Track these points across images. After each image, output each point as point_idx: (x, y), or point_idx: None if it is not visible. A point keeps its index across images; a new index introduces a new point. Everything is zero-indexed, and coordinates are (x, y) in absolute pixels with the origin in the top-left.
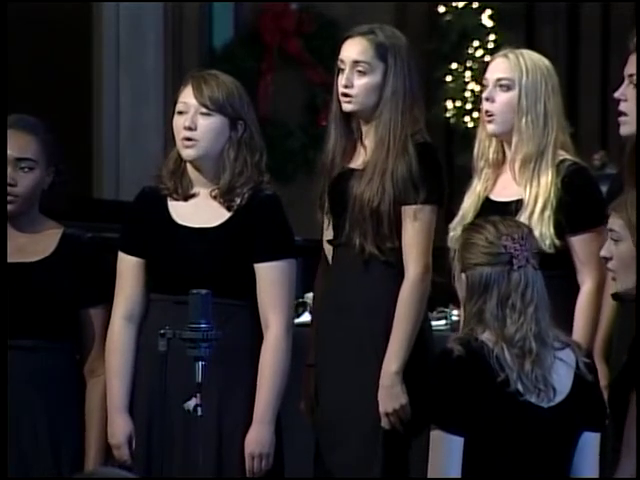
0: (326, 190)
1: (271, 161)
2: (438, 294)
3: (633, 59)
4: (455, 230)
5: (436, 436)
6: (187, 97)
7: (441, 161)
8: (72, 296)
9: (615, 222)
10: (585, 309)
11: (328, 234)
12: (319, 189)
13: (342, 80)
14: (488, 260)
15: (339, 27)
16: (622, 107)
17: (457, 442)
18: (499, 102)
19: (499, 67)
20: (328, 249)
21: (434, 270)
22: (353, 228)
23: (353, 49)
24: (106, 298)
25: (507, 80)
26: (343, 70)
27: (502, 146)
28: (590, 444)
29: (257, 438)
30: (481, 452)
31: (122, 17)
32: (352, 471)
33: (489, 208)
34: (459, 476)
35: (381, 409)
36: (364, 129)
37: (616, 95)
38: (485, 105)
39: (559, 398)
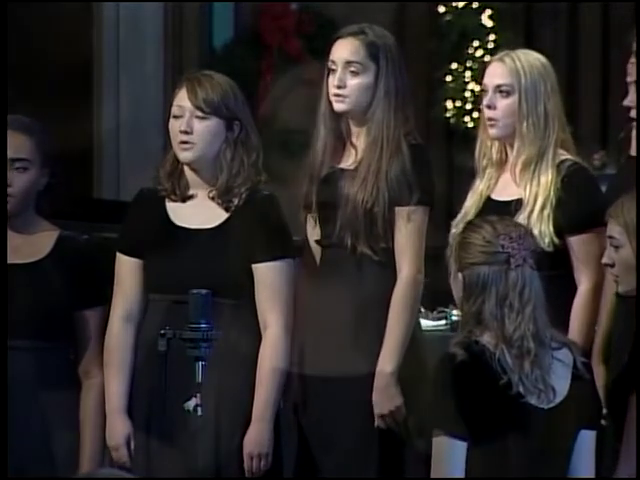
0: (313, 190)
1: (271, 161)
2: (439, 294)
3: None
4: (457, 227)
5: (440, 442)
6: (182, 100)
7: (432, 163)
8: (68, 298)
9: (613, 229)
10: (582, 309)
11: (315, 234)
12: (303, 189)
13: (334, 81)
14: (485, 259)
15: (339, 27)
16: (633, 114)
17: (461, 447)
18: (500, 108)
19: (497, 72)
20: (316, 249)
21: (426, 270)
22: (344, 228)
23: (345, 49)
24: (102, 300)
25: (506, 86)
26: (334, 71)
27: (504, 146)
28: (586, 442)
29: (256, 437)
30: (481, 454)
31: (122, 17)
32: (347, 472)
33: (490, 207)
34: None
35: (376, 411)
36: (355, 129)
37: (625, 103)
38: (486, 112)
39: (558, 399)
